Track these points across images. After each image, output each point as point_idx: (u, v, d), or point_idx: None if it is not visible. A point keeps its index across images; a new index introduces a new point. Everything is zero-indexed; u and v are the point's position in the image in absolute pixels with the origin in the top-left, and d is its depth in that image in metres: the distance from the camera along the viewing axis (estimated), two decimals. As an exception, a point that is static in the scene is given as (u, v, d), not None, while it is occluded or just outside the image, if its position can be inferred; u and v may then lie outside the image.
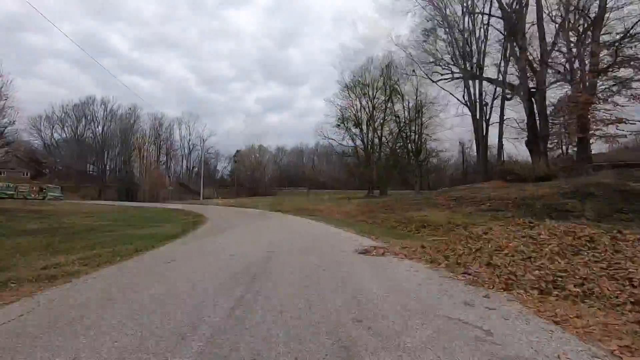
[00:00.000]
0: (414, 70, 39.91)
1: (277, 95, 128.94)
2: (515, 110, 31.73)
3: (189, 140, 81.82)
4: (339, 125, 52.49)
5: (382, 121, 51.28)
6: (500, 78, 31.83)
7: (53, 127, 68.74)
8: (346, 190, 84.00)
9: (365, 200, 33.51)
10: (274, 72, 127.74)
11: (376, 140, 53.26)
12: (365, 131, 53.65)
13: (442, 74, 36.72)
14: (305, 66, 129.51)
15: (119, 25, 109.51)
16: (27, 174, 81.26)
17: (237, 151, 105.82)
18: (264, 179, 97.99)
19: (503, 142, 34.35)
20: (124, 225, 15.11)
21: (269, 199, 59.10)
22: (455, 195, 21.21)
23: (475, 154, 41.95)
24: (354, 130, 53.18)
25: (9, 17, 79.43)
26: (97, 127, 70.11)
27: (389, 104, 50.25)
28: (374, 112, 51.90)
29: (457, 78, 35.76)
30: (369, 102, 51.77)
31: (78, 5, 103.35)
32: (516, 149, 51.47)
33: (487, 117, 35.93)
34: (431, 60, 36.57)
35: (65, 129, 68.60)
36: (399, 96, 48.76)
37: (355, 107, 53.12)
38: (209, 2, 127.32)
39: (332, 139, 52.93)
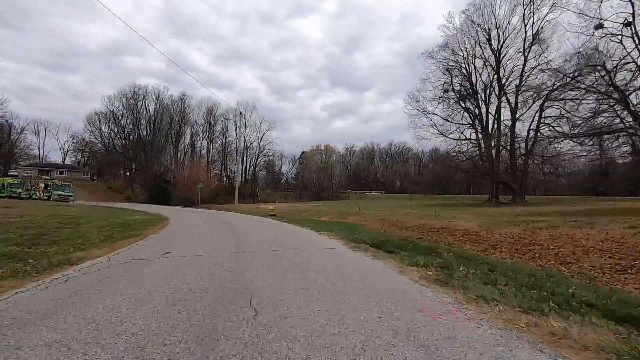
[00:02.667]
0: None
1: (343, 100, 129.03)
2: None
3: (245, 135, 70.51)
4: (444, 95, 34.61)
5: (520, 88, 32.05)
6: None
7: (107, 123, 62.97)
8: (429, 195, 64.82)
9: (511, 210, 15.55)
10: (340, 77, 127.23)
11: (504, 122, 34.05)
12: (485, 104, 34.97)
13: None
14: (371, 70, 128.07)
15: (198, 42, 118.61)
16: (87, 174, 78.92)
17: (303, 152, 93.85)
18: (330, 181, 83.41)
19: None
20: None
21: (337, 203, 43.73)
22: None
23: None
24: (467, 105, 34.86)
25: (113, 43, 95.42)
26: (143, 121, 62.49)
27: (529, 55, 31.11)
28: (502, 70, 33.05)
29: None
30: (494, 56, 33.12)
31: (166, 28, 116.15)
32: None
33: None
34: None
35: (115, 124, 62.22)
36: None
37: (468, 68, 34.84)
38: (278, 14, 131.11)
39: (435, 114, 35.07)
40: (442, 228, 12.83)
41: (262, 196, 62.45)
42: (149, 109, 61.86)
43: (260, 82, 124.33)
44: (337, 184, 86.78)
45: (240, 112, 29.29)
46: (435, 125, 34.95)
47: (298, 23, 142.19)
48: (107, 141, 64.97)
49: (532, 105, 31.78)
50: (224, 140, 68.93)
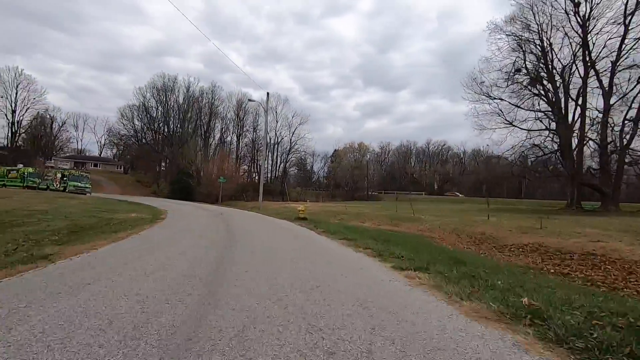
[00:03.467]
0: None
1: (377, 100, 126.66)
2: None
3: (276, 129, 66.85)
4: (514, 76, 28.25)
5: (616, 66, 25.17)
6: None
7: (139, 115, 61.80)
8: (476, 198, 57.70)
9: None
10: (374, 77, 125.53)
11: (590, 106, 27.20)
12: (564, 88, 28.27)
13: None
14: (406, 69, 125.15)
15: (236, 43, 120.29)
16: (120, 167, 79.25)
17: (335, 150, 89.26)
18: (364, 180, 77.98)
19: None
20: None
21: (375, 205, 38.61)
22: None
23: None
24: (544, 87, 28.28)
25: (156, 44, 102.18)
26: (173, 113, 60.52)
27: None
28: (590, 45, 26.26)
29: None
30: (580, 27, 26.42)
31: (206, 28, 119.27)
32: None
33: None
34: None
35: (146, 115, 60.79)
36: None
37: (543, 44, 28.28)
38: (313, 14, 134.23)
39: (502, 99, 28.79)
40: (585, 255, 7.56)
41: (292, 194, 58.75)
42: (178, 100, 59.91)
43: (294, 82, 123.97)
44: (371, 184, 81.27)
45: (267, 93, 24.90)
46: (502, 113, 28.75)
47: (333, 22, 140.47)
48: (139, 134, 63.88)
49: (633, 88, 24.91)
50: (254, 135, 65.81)
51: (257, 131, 65.40)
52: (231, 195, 42.30)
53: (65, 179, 30.66)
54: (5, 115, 58.99)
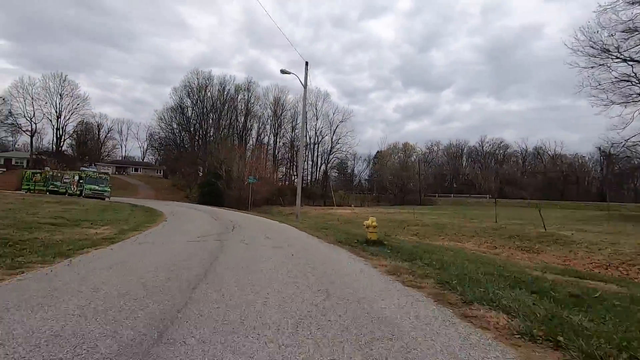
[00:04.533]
0: None
1: (417, 101, 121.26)
2: None
3: (316, 128, 61.45)
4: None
5: None
6: None
7: (175, 117, 59.65)
8: (551, 201, 47.87)
9: None
10: (414, 77, 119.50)
11: None
12: None
13: None
14: (449, 67, 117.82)
15: (275, 51, 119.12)
16: (159, 171, 78.66)
17: (378, 152, 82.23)
18: (413, 183, 69.94)
19: None
20: None
21: (439, 210, 31.56)
22: None
23: None
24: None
25: (201, 56, 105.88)
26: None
27: None
28: None
29: None
30: None
31: (246, 38, 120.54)
32: None
33: None
34: None
35: (182, 116, 58.35)
36: None
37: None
38: (350, 17, 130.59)
39: (633, 60, 20.45)
40: None
41: (335, 198, 53.03)
42: (212, 96, 56.61)
43: (332, 86, 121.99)
44: (420, 186, 72.93)
45: (307, 63, 19.20)
46: (637, 77, 20.27)
47: (371, 24, 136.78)
48: (177, 137, 61.63)
49: None
50: (292, 135, 60.99)
51: (295, 131, 60.60)
52: (267, 199, 37.35)
53: (81, 181, 27.28)
54: (50, 120, 59.72)
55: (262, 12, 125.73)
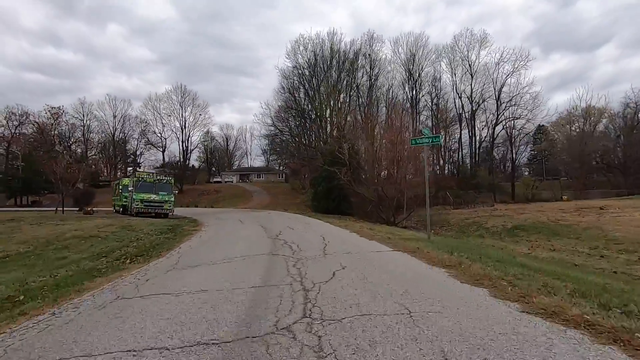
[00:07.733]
0: None
1: (563, 68, 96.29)
2: None
3: (474, 91, 41.95)
4: None
5: None
6: None
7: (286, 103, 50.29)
8: None
9: None
10: (557, 40, 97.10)
11: None
12: None
13: None
14: (605, 18, 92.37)
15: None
16: (281, 176, 72.43)
17: (540, 126, 53.75)
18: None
19: None
20: None
21: None
22: None
23: None
24: None
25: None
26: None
27: None
28: None
29: None
30: None
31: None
32: None
33: None
34: None
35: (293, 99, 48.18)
36: None
37: None
38: None
39: None
40: None
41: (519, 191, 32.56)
42: (324, 64, 43.83)
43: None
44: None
45: None
46: None
47: None
48: (292, 130, 51.73)
49: None
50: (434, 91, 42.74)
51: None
52: (419, 198, 21.90)
53: (131, 190, 17.27)
54: (175, 133, 59.32)
55: (368, 10, 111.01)
